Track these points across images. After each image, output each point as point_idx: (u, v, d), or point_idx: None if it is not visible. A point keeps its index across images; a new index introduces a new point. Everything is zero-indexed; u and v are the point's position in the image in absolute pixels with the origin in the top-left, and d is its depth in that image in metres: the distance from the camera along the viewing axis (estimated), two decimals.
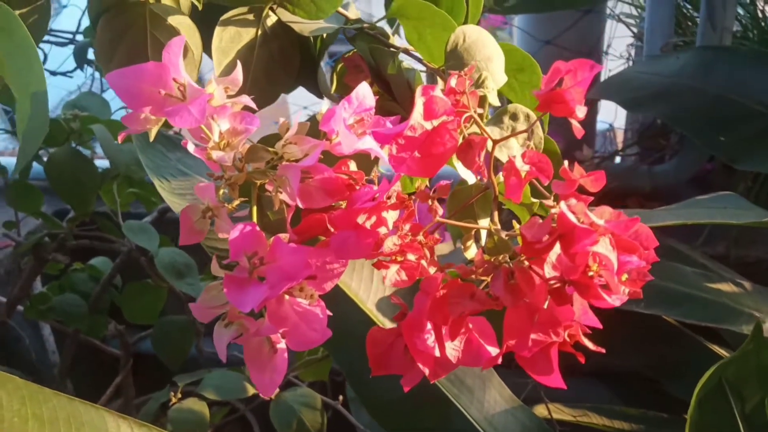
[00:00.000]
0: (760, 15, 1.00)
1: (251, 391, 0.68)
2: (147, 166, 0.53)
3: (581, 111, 0.28)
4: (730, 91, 0.76)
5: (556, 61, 0.28)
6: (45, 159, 0.73)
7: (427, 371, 0.31)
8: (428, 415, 0.53)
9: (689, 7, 1.04)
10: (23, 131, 0.32)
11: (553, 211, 0.26)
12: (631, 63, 1.14)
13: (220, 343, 0.33)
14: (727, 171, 0.95)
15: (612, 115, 1.18)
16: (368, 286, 0.54)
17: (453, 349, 0.30)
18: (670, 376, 0.81)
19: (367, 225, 0.30)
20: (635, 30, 1.13)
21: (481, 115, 0.38)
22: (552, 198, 0.31)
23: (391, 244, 0.28)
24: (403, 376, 0.32)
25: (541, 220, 0.27)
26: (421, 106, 0.28)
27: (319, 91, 0.46)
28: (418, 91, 0.28)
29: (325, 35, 0.47)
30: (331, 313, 0.34)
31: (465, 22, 0.48)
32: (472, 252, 0.31)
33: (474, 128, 0.37)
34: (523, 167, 0.27)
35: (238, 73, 0.34)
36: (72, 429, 0.42)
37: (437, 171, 0.29)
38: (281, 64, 0.44)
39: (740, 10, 1.03)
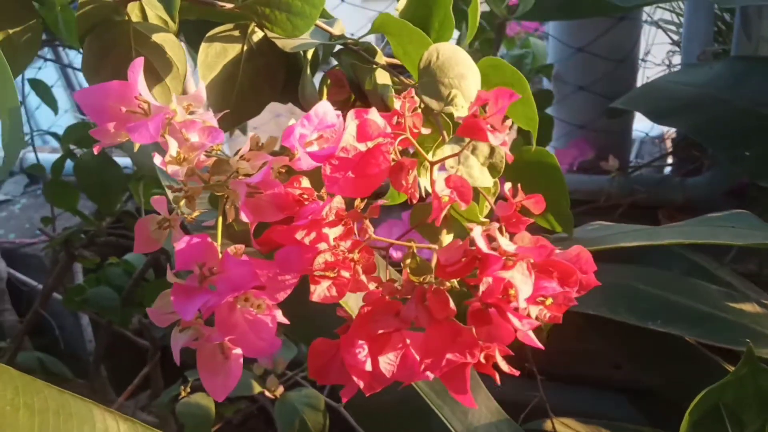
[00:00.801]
0: None
1: (257, 389, 0.70)
2: (159, 171, 0.56)
3: (496, 138, 0.29)
4: (758, 103, 0.73)
5: (479, 90, 0.29)
6: None
7: (361, 384, 0.32)
8: (410, 423, 0.53)
9: (729, 15, 1.00)
10: (4, 144, 0.35)
11: (470, 234, 0.27)
12: (670, 71, 1.11)
13: (175, 347, 0.35)
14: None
15: (650, 124, 1.15)
16: (357, 296, 0.55)
17: (387, 363, 0.31)
18: (687, 397, 0.79)
19: (306, 240, 0.31)
20: (675, 37, 1.09)
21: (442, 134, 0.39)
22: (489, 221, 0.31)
23: (321, 260, 0.29)
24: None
25: (460, 243, 0.28)
26: (353, 128, 0.29)
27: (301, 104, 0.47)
28: (351, 114, 0.29)
29: (317, 52, 0.48)
30: (287, 322, 0.36)
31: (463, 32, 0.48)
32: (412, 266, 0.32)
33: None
34: (443, 192, 0.28)
35: (202, 90, 0.35)
36: (60, 419, 0.44)
37: (371, 191, 0.30)
38: (266, 79, 0.46)
39: None
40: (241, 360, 0.35)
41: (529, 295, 0.26)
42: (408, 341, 0.31)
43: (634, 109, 0.86)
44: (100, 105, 0.34)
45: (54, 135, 0.85)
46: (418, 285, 0.28)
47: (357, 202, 0.32)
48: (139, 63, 0.33)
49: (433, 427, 0.53)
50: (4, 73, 0.31)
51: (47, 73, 1.15)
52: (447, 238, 0.38)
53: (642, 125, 1.20)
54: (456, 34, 0.52)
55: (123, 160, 0.84)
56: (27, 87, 0.90)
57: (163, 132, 0.34)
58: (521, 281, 0.26)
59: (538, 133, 1.03)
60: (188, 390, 0.70)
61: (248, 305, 0.33)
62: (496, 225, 0.28)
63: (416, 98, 0.40)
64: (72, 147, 0.77)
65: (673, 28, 1.10)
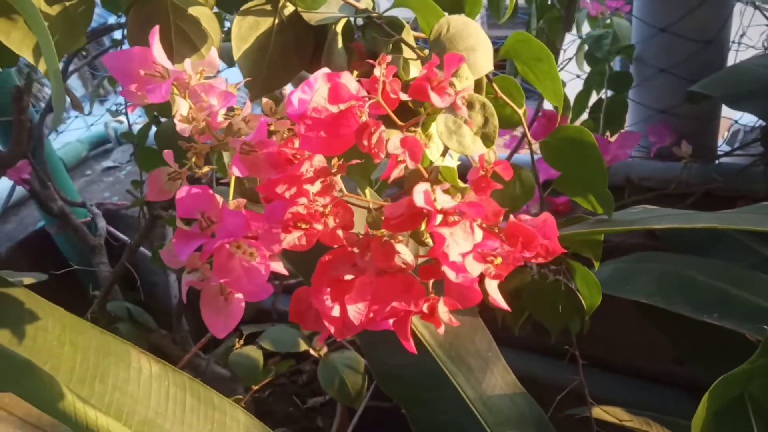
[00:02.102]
0: None
1: (303, 347, 0.75)
2: None
3: (442, 101, 0.30)
4: None
5: (433, 55, 0.30)
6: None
7: (332, 329, 0.34)
8: (426, 386, 0.55)
9: None
10: (53, 103, 0.40)
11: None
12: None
13: (184, 286, 0.39)
14: None
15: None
16: None
17: (356, 311, 0.34)
18: None
19: (287, 195, 0.34)
20: None
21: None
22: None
23: (292, 211, 0.32)
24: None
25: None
26: (324, 90, 0.32)
27: None
28: (322, 77, 0.32)
29: (344, 24, 0.51)
30: (285, 272, 0.39)
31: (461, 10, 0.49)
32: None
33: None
34: (396, 150, 0.29)
35: (214, 57, 0.39)
36: (100, 356, 0.50)
37: (343, 151, 0.32)
38: (295, 50, 0.49)
39: None
40: (243, 304, 0.39)
41: (465, 251, 0.28)
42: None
43: (710, 93, 0.81)
44: (126, 68, 0.38)
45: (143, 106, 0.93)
46: (372, 237, 0.30)
47: (334, 161, 0.34)
48: (155, 30, 0.37)
49: (445, 392, 0.54)
50: (46, 38, 0.36)
51: None
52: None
53: (737, 112, 1.13)
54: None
55: None
56: None
57: (176, 93, 0.38)
58: (460, 238, 0.28)
59: (610, 116, 1.00)
60: (242, 342, 0.75)
61: (240, 252, 0.37)
62: (443, 186, 0.29)
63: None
64: (156, 114, 0.84)
65: None
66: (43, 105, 1.16)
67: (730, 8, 0.96)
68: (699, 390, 0.97)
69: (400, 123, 0.33)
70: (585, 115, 1.00)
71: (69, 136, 1.57)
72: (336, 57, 0.50)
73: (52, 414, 0.43)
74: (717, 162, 0.99)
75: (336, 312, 0.33)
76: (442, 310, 0.29)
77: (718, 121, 1.05)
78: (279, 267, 0.42)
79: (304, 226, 0.33)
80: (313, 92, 0.39)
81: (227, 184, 0.40)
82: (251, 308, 0.87)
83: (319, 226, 0.33)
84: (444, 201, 0.28)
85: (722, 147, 1.07)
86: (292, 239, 0.33)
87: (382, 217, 0.31)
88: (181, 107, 0.37)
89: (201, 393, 0.52)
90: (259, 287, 0.37)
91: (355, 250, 0.31)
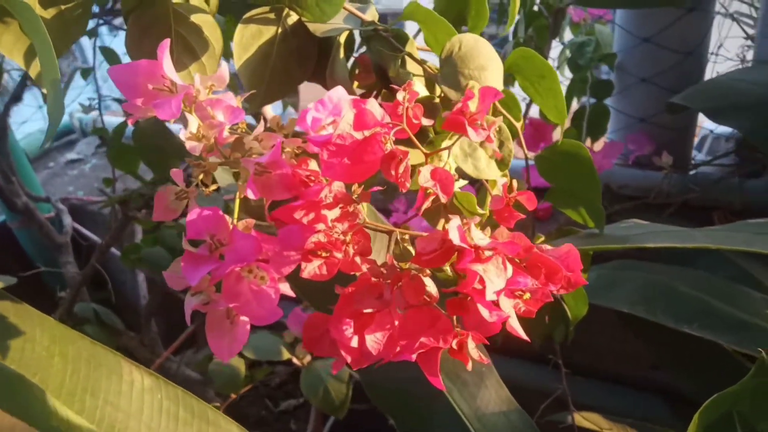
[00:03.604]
0: None
1: (286, 355, 0.73)
2: None
3: (477, 135, 0.29)
4: None
5: (468, 88, 0.30)
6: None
7: (349, 359, 0.33)
8: (421, 401, 0.55)
9: None
10: (48, 113, 0.38)
11: (446, 225, 0.28)
12: (743, 66, 1.06)
13: (187, 309, 0.37)
14: None
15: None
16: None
17: (374, 341, 0.33)
18: None
19: (305, 220, 0.33)
20: (751, 31, 1.04)
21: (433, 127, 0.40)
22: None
23: (314, 240, 0.31)
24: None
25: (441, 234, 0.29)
26: (350, 116, 0.30)
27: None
28: (348, 103, 0.31)
29: (347, 36, 0.50)
30: (293, 294, 0.38)
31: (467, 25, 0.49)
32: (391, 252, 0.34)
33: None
34: (426, 182, 0.29)
35: (225, 72, 0.37)
36: (91, 368, 0.48)
37: (365, 178, 0.32)
38: (298, 60, 0.48)
39: None
40: (248, 327, 0.38)
41: (499, 289, 0.27)
42: (396, 323, 0.33)
43: (692, 106, 0.83)
44: (131, 81, 0.36)
45: (119, 101, 0.90)
46: (398, 270, 0.29)
47: (354, 187, 0.33)
48: (166, 44, 0.35)
49: (439, 407, 0.54)
50: (47, 48, 0.34)
51: (120, 40, 1.21)
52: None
53: (709, 121, 1.16)
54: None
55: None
56: (99, 56, 0.95)
57: (186, 109, 0.36)
58: (494, 274, 0.27)
59: (592, 124, 1.01)
60: None
61: (252, 276, 0.35)
62: (477, 219, 0.29)
63: (439, 88, 0.41)
64: None
65: (750, 21, 1.05)
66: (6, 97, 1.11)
67: (711, 20, 0.98)
68: (673, 395, 1.00)
69: (424, 151, 0.32)
70: (567, 123, 1.01)
71: (31, 126, 1.51)
72: (339, 69, 0.49)
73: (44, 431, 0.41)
74: (693, 172, 1.01)
75: (355, 342, 0.32)
76: (471, 347, 0.29)
77: (694, 130, 1.08)
78: (286, 289, 0.41)
79: (324, 254, 0.32)
80: (326, 111, 0.38)
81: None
82: None
83: (339, 255, 0.32)
84: (479, 238, 0.27)
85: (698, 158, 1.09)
86: (312, 269, 0.31)
87: (409, 249, 0.30)
88: (191, 124, 0.35)
89: (195, 406, 0.51)
90: (268, 311, 0.36)
91: (380, 281, 0.31)
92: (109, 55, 0.93)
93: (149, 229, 1.07)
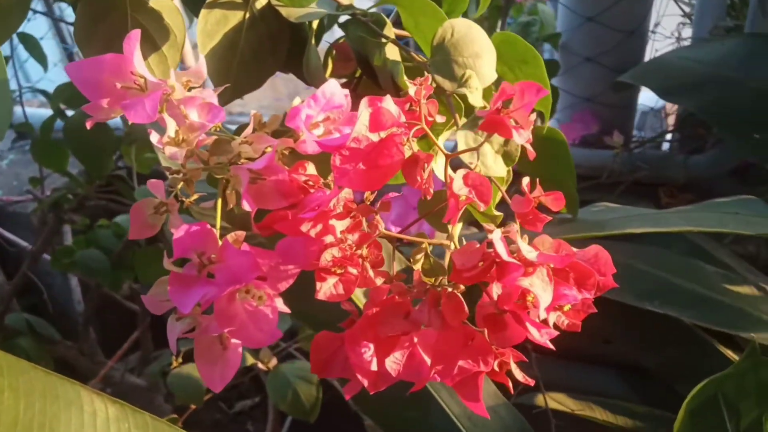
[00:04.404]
0: None
1: (250, 360, 0.69)
2: (158, 152, 0.53)
3: (521, 136, 0.27)
4: None
5: (504, 83, 0.27)
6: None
7: (365, 382, 0.30)
8: (409, 404, 0.53)
9: None
10: None
11: (489, 236, 0.25)
12: (680, 44, 1.08)
13: (171, 336, 0.33)
14: None
15: (655, 97, 1.13)
16: None
17: (393, 362, 0.30)
18: (680, 377, 0.79)
19: (312, 233, 0.29)
20: (686, 9, 1.06)
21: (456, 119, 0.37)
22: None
23: (329, 256, 0.28)
24: None
25: (478, 245, 0.26)
26: (366, 117, 0.27)
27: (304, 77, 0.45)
28: (364, 101, 0.27)
29: (322, 21, 0.46)
30: (288, 311, 0.34)
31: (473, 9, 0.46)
32: (419, 265, 0.31)
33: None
34: (461, 190, 0.26)
35: (202, 65, 0.33)
36: (47, 401, 0.43)
37: (382, 184, 0.28)
38: (269, 48, 0.44)
39: None
40: (240, 350, 0.34)
41: (549, 304, 0.25)
42: (415, 340, 0.30)
43: (643, 84, 0.84)
44: (94, 79, 0.31)
45: (43, 93, 0.82)
46: (431, 287, 0.27)
47: (367, 194, 0.30)
48: (135, 35, 0.31)
49: (430, 409, 0.52)
50: None
51: (37, 24, 1.10)
52: (457, 229, 0.37)
53: (646, 98, 1.18)
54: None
55: (114, 122, 0.81)
56: (15, 39, 0.86)
57: (161, 109, 0.31)
58: (541, 289, 0.25)
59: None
60: (180, 360, 0.69)
61: (249, 297, 0.32)
62: (516, 227, 0.26)
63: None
64: (62, 107, 0.74)
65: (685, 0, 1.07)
66: None
67: None
68: (628, 369, 1.02)
69: (445, 153, 0.29)
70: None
71: None
72: (312, 59, 0.45)
73: None
74: (639, 150, 1.03)
75: (374, 365, 0.29)
76: (514, 368, 0.26)
77: (635, 109, 1.09)
78: (281, 305, 0.37)
79: (339, 271, 0.29)
80: (319, 107, 0.34)
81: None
82: None
83: (354, 270, 0.29)
84: (527, 250, 0.25)
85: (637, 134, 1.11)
86: (328, 288, 0.28)
87: (441, 263, 0.27)
88: (169, 127, 0.31)
89: None
90: (268, 333, 0.32)
91: (406, 300, 0.28)
92: (27, 41, 0.85)
93: (80, 229, 0.99)
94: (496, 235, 0.25)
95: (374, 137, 0.28)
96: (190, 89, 0.33)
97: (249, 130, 0.32)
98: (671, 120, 1.19)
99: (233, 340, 0.34)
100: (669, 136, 1.05)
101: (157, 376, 0.74)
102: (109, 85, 0.32)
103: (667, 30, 1.08)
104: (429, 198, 0.27)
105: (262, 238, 0.35)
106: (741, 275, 0.78)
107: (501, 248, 0.24)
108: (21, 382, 0.43)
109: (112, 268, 0.92)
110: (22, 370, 0.44)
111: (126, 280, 0.95)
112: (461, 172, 0.26)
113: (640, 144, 1.05)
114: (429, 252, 0.28)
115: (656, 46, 1.08)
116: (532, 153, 0.29)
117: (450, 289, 0.26)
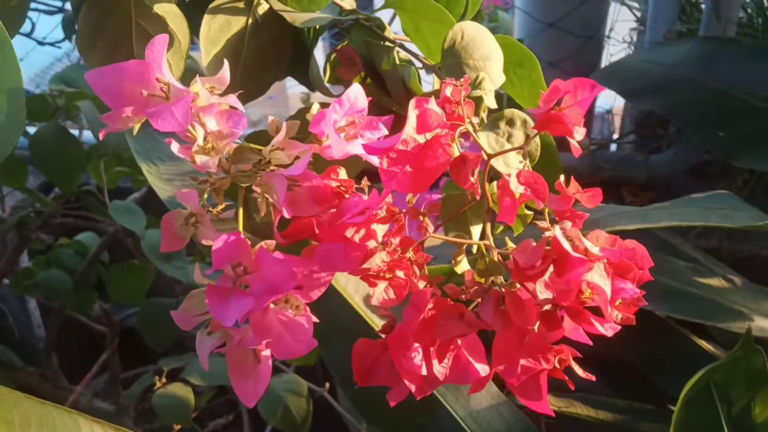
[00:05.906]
0: (765, 4, 0.98)
1: None
2: (135, 150, 0.52)
3: (579, 133, 0.27)
4: (730, 85, 0.75)
5: (555, 80, 0.27)
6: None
7: (413, 388, 0.30)
8: (416, 411, 0.52)
9: None
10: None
11: (546, 234, 0.25)
12: (632, 49, 1.12)
13: (202, 352, 0.32)
14: (725, 163, 0.94)
15: (612, 99, 1.17)
16: (357, 280, 0.53)
17: (441, 366, 0.30)
18: (658, 369, 0.81)
19: (356, 238, 0.29)
20: (639, 15, 1.10)
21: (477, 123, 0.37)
22: (545, 214, 0.30)
23: (379, 261, 0.27)
24: None
25: (534, 243, 0.26)
26: (414, 119, 0.27)
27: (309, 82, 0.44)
28: (412, 103, 0.27)
29: (317, 25, 0.45)
30: (318, 320, 0.33)
31: (463, 14, 0.46)
32: (463, 266, 0.31)
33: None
34: (517, 188, 0.26)
35: (225, 71, 0.32)
36: None
37: (429, 186, 0.28)
38: (273, 54, 0.43)
39: None
40: (270, 362, 0.33)
41: (610, 298, 0.25)
42: (459, 342, 0.30)
43: (610, 88, 0.86)
44: (116, 87, 0.30)
45: None
46: (487, 287, 0.26)
47: (409, 197, 0.30)
48: (161, 40, 0.29)
49: (438, 414, 0.52)
50: (6, 51, 0.27)
51: None
52: (476, 229, 0.37)
53: (600, 101, 1.22)
54: None
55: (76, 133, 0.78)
56: None
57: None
58: (602, 283, 0.25)
59: None
60: (164, 380, 0.66)
61: (288, 307, 0.31)
62: (569, 224, 0.27)
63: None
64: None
65: (636, 5, 1.11)
66: None
67: (608, 5, 1.02)
68: (602, 365, 1.04)
69: (487, 153, 0.29)
70: None
71: None
72: (313, 65, 0.45)
73: None
74: (602, 151, 1.06)
75: (424, 370, 0.29)
76: (575, 364, 0.27)
77: (594, 112, 1.13)
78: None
79: (387, 275, 0.28)
80: (343, 111, 0.34)
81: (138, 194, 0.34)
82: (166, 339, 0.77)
83: (401, 274, 0.29)
84: (590, 245, 0.25)
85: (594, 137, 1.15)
86: (380, 293, 0.28)
87: (496, 262, 0.27)
88: (198, 135, 0.30)
89: None
90: (305, 343, 0.31)
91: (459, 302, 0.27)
92: None
93: (40, 249, 0.95)
94: (558, 232, 0.25)
95: (420, 139, 0.27)
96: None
97: (280, 136, 0.31)
98: (617, 121, 1.23)
99: (263, 353, 0.33)
100: (626, 138, 1.09)
101: (138, 397, 0.71)
102: (131, 93, 0.30)
103: (619, 35, 1.12)
104: (478, 198, 0.27)
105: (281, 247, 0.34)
106: (708, 268, 0.81)
107: (566, 244, 0.24)
108: (15, 414, 0.41)
109: (75, 288, 0.88)
110: (16, 401, 0.42)
111: (91, 301, 0.91)
112: (514, 171, 0.26)
113: (601, 146, 1.08)
114: (485, 252, 0.27)
115: (611, 51, 1.11)
116: (578, 150, 0.29)
117: (510, 289, 0.26)
